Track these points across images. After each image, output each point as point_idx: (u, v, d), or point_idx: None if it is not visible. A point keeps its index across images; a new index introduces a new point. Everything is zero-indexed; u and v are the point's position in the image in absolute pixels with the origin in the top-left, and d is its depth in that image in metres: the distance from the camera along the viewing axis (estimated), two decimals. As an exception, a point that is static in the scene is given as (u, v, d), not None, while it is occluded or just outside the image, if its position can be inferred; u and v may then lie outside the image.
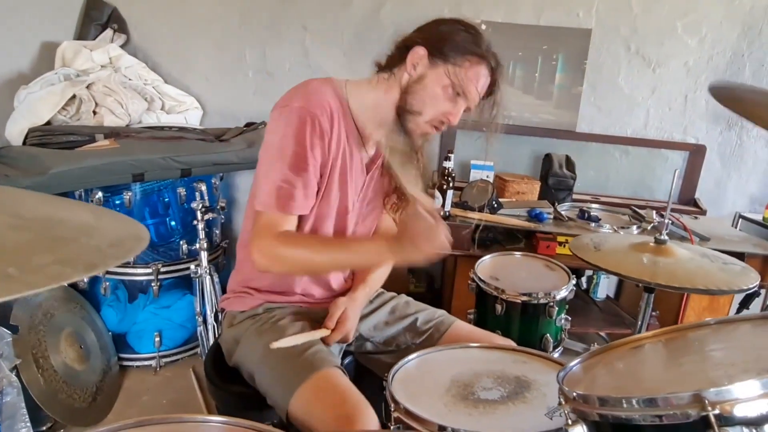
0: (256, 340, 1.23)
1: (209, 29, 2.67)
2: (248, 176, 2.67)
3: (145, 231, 0.68)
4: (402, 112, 1.18)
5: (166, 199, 2.24)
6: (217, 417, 0.89)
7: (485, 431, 0.92)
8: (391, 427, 0.97)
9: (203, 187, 2.25)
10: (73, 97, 2.18)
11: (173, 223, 2.28)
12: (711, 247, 1.78)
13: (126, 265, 2.22)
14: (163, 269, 2.26)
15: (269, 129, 1.17)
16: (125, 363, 2.34)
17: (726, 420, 0.59)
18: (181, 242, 2.29)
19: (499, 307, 1.56)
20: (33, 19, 2.35)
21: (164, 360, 2.37)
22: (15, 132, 2.10)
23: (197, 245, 2.23)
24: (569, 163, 2.60)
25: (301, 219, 1.21)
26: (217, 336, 2.15)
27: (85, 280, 2.28)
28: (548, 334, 1.58)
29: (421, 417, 0.93)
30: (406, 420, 0.95)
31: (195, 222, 2.20)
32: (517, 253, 1.86)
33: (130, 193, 2.14)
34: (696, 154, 2.67)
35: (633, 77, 2.64)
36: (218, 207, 2.40)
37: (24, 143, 2.08)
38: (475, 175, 2.52)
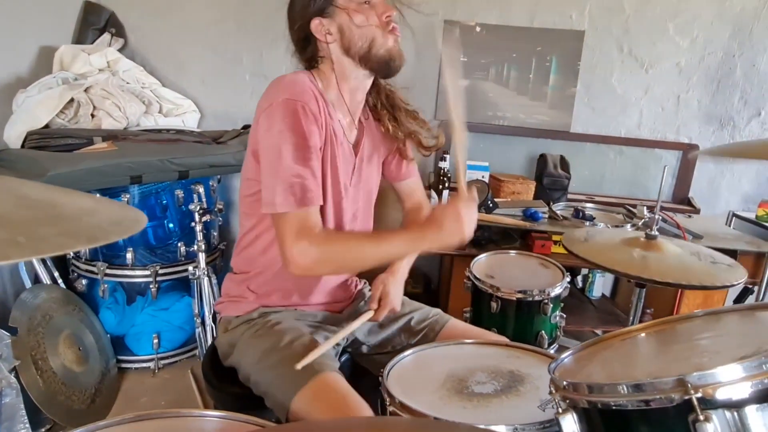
0: (252, 345, 1.23)
1: (206, 33, 2.69)
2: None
3: (142, 215, 0.70)
4: (363, 58, 1.19)
5: (164, 201, 2.25)
6: (214, 412, 0.91)
7: (479, 423, 0.93)
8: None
9: (201, 189, 2.26)
10: (71, 100, 2.20)
11: (171, 225, 2.30)
12: (704, 245, 1.79)
13: (124, 267, 2.23)
14: (161, 271, 2.27)
15: (262, 131, 1.14)
16: (124, 365, 2.34)
17: (708, 403, 0.60)
18: (179, 244, 2.30)
19: (494, 305, 1.58)
20: (31, 24, 2.36)
21: (163, 362, 2.38)
22: (13, 135, 2.12)
23: (195, 247, 2.24)
24: (564, 164, 2.62)
25: None
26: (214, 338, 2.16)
27: (84, 282, 2.29)
28: (543, 331, 1.60)
29: (416, 410, 0.95)
30: (402, 413, 0.96)
31: (193, 224, 2.20)
32: (512, 252, 1.87)
33: (128, 195, 2.15)
34: (689, 153, 2.70)
35: (626, 78, 2.67)
36: (216, 209, 2.41)
37: (22, 146, 2.10)
38: (470, 175, 2.54)
